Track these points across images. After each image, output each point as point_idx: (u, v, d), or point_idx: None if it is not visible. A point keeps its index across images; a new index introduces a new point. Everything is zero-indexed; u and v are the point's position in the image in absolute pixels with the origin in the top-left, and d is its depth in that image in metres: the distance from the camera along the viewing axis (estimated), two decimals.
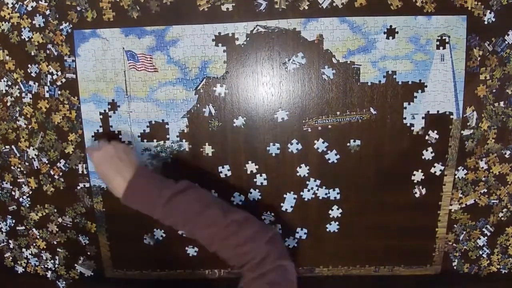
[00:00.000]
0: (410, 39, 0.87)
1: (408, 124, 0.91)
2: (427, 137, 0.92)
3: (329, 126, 0.91)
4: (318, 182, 0.95)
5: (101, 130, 0.94)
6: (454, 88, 0.90)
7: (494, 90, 0.90)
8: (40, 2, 0.89)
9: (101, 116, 0.94)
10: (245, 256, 0.72)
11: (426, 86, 0.89)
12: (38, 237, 1.05)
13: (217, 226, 0.74)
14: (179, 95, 0.91)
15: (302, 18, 0.86)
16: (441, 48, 0.88)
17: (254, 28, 0.87)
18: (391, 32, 0.87)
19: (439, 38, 0.87)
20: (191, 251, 1.01)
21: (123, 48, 0.90)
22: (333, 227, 0.98)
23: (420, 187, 0.95)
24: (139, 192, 0.77)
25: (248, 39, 0.88)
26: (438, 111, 0.91)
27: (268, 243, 0.73)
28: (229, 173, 0.94)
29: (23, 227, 1.04)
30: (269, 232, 0.75)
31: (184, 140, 0.93)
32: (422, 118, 0.91)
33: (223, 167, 0.94)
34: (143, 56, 0.90)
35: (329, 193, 0.95)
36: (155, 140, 0.94)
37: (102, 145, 0.82)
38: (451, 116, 0.91)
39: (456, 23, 0.86)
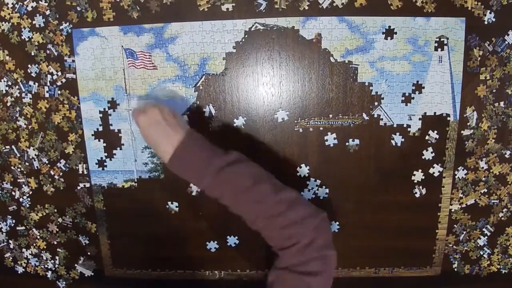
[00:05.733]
0: (408, 40, 0.87)
1: (405, 125, 0.91)
2: (427, 137, 0.92)
3: (329, 126, 0.91)
4: (318, 182, 0.95)
5: (101, 128, 0.94)
6: (452, 90, 0.90)
7: (494, 90, 0.90)
8: (40, 2, 0.89)
9: (101, 115, 0.94)
10: (289, 239, 0.68)
11: (423, 88, 0.89)
12: (38, 237, 1.05)
13: (266, 203, 0.70)
14: (179, 92, 0.91)
15: (301, 17, 0.86)
16: (439, 49, 0.87)
17: (253, 25, 0.87)
18: (389, 33, 0.87)
19: (438, 39, 0.87)
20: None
21: (122, 46, 0.90)
22: (333, 227, 0.98)
23: (420, 187, 0.95)
24: (188, 158, 0.73)
25: (246, 36, 0.88)
26: (435, 113, 0.91)
27: (315, 229, 0.69)
28: None
29: (23, 227, 1.04)
30: (318, 218, 0.71)
31: None
32: (419, 119, 0.91)
33: None
34: (142, 54, 0.90)
35: (329, 193, 0.95)
36: None
37: (147, 107, 0.77)
38: (448, 118, 0.91)
39: (455, 25, 0.86)
